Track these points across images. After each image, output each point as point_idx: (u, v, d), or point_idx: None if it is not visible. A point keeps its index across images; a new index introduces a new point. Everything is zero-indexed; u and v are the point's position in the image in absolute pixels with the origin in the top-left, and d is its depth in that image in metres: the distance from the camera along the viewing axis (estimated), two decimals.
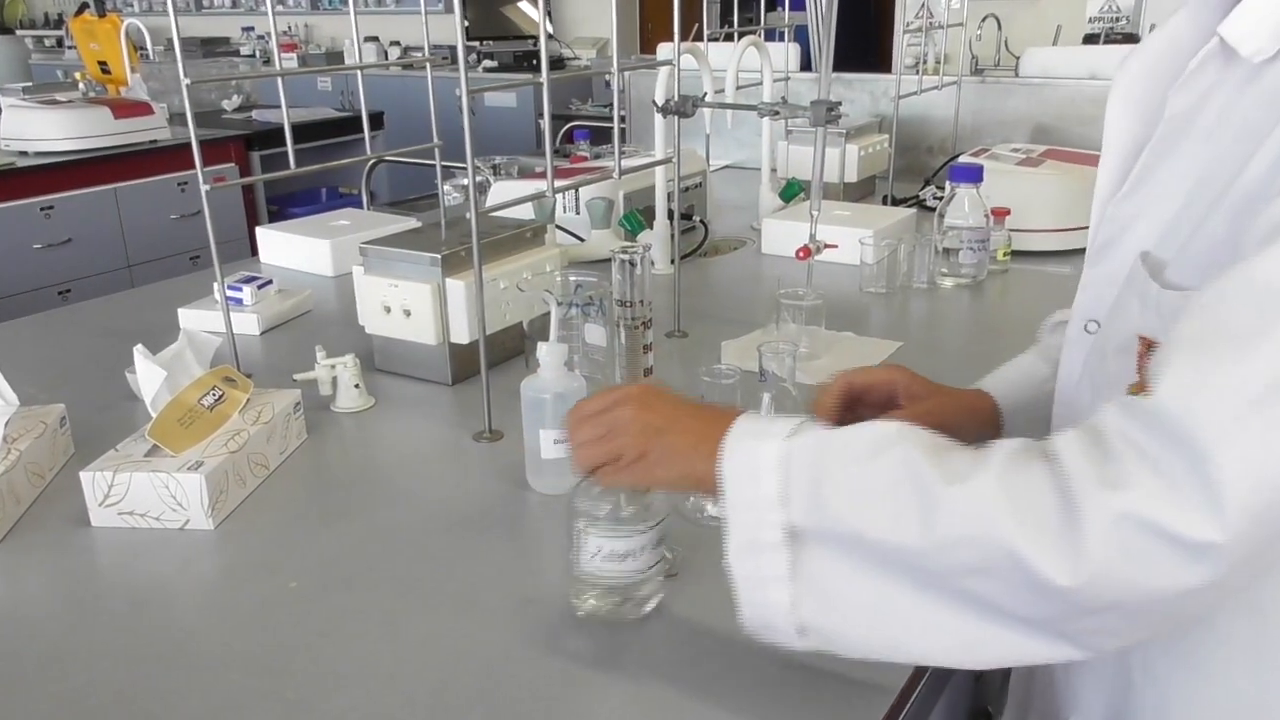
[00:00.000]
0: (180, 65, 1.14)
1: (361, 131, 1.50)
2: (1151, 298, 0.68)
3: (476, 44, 5.60)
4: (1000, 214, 1.80)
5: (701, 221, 2.02)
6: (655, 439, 0.73)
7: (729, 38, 2.34)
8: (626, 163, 1.32)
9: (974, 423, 0.93)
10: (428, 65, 1.34)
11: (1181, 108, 0.69)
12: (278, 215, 3.93)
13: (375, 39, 6.12)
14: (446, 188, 2.20)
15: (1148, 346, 0.69)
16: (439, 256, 1.26)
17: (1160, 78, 0.74)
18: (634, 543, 0.79)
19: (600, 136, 2.81)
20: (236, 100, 4.54)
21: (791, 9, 2.51)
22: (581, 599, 0.83)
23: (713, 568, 0.90)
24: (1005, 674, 1.06)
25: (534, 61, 5.41)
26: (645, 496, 0.79)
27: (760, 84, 2.07)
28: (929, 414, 0.85)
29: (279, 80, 1.36)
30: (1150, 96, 0.74)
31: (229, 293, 1.46)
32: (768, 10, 2.48)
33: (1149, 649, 0.74)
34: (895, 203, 2.27)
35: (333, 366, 1.25)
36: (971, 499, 0.58)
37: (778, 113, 1.48)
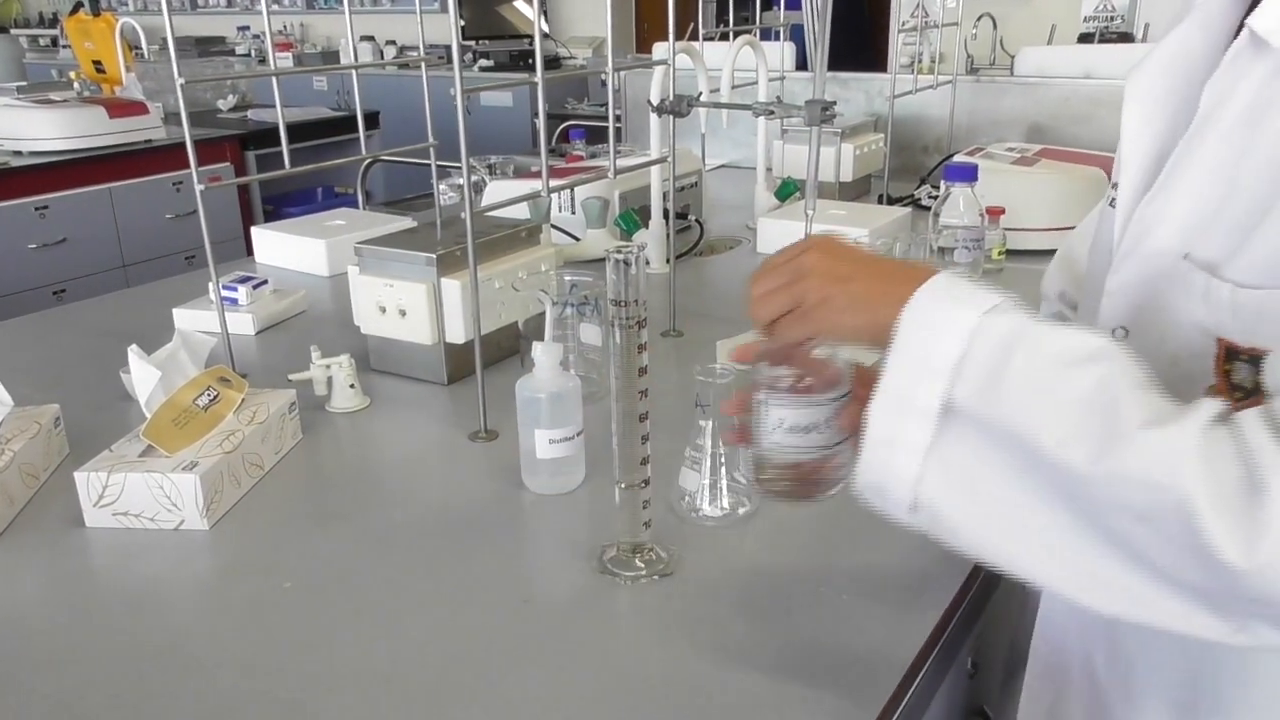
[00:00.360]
0: (175, 64, 1.14)
1: (357, 131, 1.50)
2: (1224, 299, 0.65)
3: (472, 43, 5.60)
4: (995, 213, 1.81)
5: (697, 221, 2.02)
6: (839, 285, 0.68)
7: (724, 37, 2.34)
8: (622, 162, 1.32)
9: None
10: (423, 65, 1.33)
11: (1215, 103, 0.67)
12: (273, 215, 3.93)
13: (371, 38, 6.11)
14: (442, 187, 2.20)
15: (1226, 349, 0.66)
16: (434, 256, 1.26)
17: (1178, 78, 0.73)
18: (817, 414, 0.72)
19: (596, 136, 2.81)
20: (232, 100, 4.54)
21: (787, 8, 2.51)
22: (763, 480, 0.77)
23: (709, 566, 0.90)
24: (1007, 675, 1.06)
25: (530, 61, 5.40)
26: (826, 362, 0.73)
27: (756, 83, 2.07)
28: None
29: (274, 80, 1.36)
30: (1169, 98, 0.73)
31: (224, 293, 1.46)
32: (763, 9, 2.48)
33: (1220, 677, 0.73)
34: (890, 202, 2.27)
35: (328, 366, 1.24)
36: (1164, 444, 0.54)
37: (773, 112, 1.48)
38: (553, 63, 5.46)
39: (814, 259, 0.70)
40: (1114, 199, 0.78)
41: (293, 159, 1.36)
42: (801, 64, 2.90)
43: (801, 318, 0.69)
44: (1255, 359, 0.65)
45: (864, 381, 0.69)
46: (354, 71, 1.47)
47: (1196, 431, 0.55)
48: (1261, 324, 0.64)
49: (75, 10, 3.55)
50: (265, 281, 1.62)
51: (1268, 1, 0.64)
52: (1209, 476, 0.53)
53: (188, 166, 1.16)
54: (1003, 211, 1.83)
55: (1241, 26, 0.68)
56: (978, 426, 0.61)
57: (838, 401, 0.73)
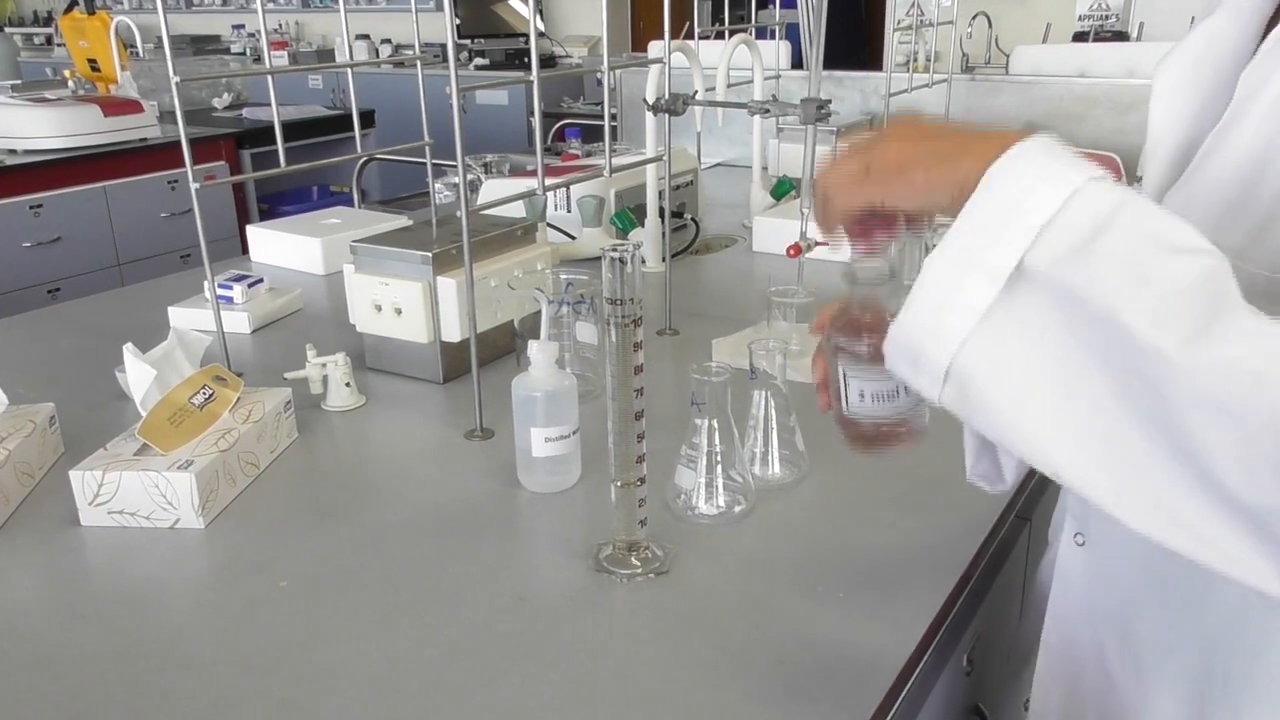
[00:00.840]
0: (170, 63, 1.14)
1: (352, 129, 1.50)
2: (1258, 287, 0.61)
3: (467, 42, 5.59)
4: None
5: (692, 219, 2.03)
6: (919, 142, 0.61)
7: (720, 35, 2.35)
8: (617, 160, 1.32)
9: None
10: (418, 63, 1.34)
11: (1248, 94, 0.67)
12: (268, 213, 3.93)
13: (366, 37, 6.11)
14: (437, 185, 2.20)
15: None
16: (430, 255, 1.26)
17: (1207, 71, 0.73)
18: (896, 381, 0.71)
19: (592, 134, 2.81)
20: (227, 98, 4.54)
21: (782, 7, 2.51)
22: (850, 439, 0.76)
23: (705, 565, 0.90)
24: (1009, 674, 1.06)
25: (525, 59, 5.40)
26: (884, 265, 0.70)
27: (751, 82, 2.07)
28: None
29: (269, 78, 1.36)
30: (1198, 90, 0.73)
31: (219, 291, 1.45)
32: (759, 8, 2.48)
33: (1230, 664, 0.73)
34: None
35: (323, 365, 1.24)
36: (1275, 334, 0.49)
37: (768, 110, 1.48)
38: (548, 61, 5.45)
39: (890, 134, 0.63)
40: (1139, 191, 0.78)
41: (288, 157, 1.36)
42: (797, 62, 2.91)
43: (875, 179, 0.62)
44: None
45: None
46: (349, 70, 1.47)
47: None
48: None
49: (70, 8, 3.54)
50: (260, 280, 1.62)
51: None
52: None
53: (183, 165, 1.16)
54: None
55: (1274, 19, 0.68)
56: (1051, 292, 0.54)
57: None
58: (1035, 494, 1.08)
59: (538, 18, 5.55)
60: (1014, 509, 1.02)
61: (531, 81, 1.14)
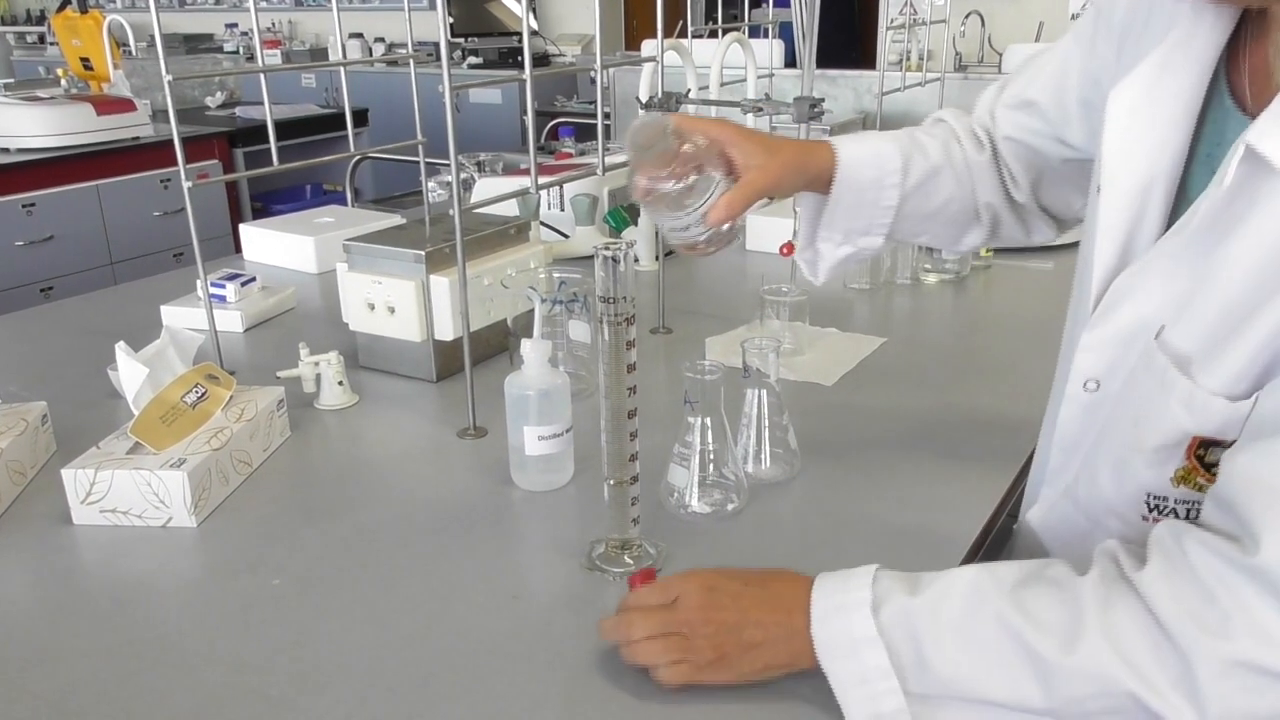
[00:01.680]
0: (162, 61, 1.14)
1: (345, 128, 1.50)
2: (1214, 412, 0.67)
3: (461, 40, 5.59)
4: None
5: None
6: (730, 637, 0.73)
7: (713, 34, 2.35)
8: (610, 159, 1.32)
9: (802, 182, 0.95)
10: (411, 62, 1.33)
11: (1209, 212, 0.67)
12: (262, 212, 3.92)
13: (359, 35, 6.09)
14: (431, 184, 2.19)
15: (1200, 442, 0.69)
16: (423, 253, 1.26)
17: (1159, 111, 0.74)
18: (687, 219, 0.89)
19: (585, 133, 2.81)
20: (220, 97, 4.53)
21: (775, 5, 2.52)
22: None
23: (698, 562, 0.90)
24: None
25: (518, 58, 5.39)
26: (700, 165, 0.88)
27: (744, 80, 2.07)
28: (765, 171, 0.89)
29: (262, 76, 1.36)
30: (1153, 131, 0.75)
31: (212, 290, 1.45)
32: (752, 7, 2.48)
33: None
34: None
35: (316, 364, 1.24)
36: (1087, 665, 0.62)
37: (761, 109, 1.48)
38: (541, 60, 5.45)
39: (693, 613, 0.74)
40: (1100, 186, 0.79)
41: (281, 156, 1.36)
42: (790, 61, 2.91)
43: (700, 670, 0.73)
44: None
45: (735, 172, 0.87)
46: (342, 68, 1.47)
47: (1102, 638, 0.62)
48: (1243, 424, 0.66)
49: (63, 7, 3.53)
50: (254, 279, 1.62)
51: (1270, 117, 0.63)
52: (1137, 673, 0.61)
53: (175, 164, 1.16)
54: None
55: (1228, 57, 0.71)
56: (943, 700, 0.67)
57: (702, 205, 0.88)
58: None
59: (531, 16, 5.55)
60: (1005, 508, 1.02)
61: (525, 80, 1.14)
